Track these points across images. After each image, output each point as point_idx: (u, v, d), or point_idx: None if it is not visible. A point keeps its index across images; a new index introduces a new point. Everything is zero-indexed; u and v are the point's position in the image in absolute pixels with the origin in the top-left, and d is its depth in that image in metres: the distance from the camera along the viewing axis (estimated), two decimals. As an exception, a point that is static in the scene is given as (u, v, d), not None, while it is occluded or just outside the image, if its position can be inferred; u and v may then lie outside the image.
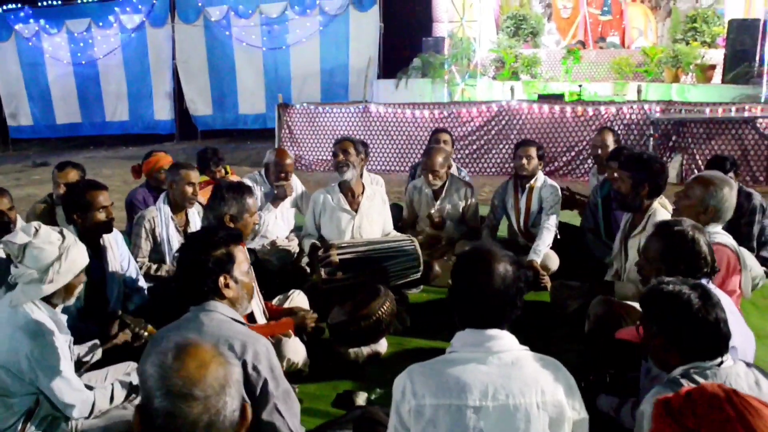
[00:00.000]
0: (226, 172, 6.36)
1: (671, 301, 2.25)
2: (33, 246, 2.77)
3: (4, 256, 2.82)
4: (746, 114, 8.98)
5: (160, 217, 4.63)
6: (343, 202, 4.95)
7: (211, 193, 3.75)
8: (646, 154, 4.30)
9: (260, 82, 15.66)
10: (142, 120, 16.37)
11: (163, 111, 16.17)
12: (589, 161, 9.58)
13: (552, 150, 9.88)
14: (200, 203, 4.76)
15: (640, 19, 14.67)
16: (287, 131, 11.55)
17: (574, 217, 5.91)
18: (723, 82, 11.63)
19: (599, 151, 5.69)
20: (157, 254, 4.63)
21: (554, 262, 5.11)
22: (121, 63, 15.98)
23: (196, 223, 4.82)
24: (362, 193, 5.00)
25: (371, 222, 4.97)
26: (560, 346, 4.06)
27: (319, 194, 5.09)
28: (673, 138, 9.23)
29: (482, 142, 10.30)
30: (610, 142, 5.68)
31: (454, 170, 5.80)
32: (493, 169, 10.25)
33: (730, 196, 3.51)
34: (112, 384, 2.99)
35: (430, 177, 5.40)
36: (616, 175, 4.89)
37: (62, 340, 2.87)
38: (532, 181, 5.36)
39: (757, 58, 11.43)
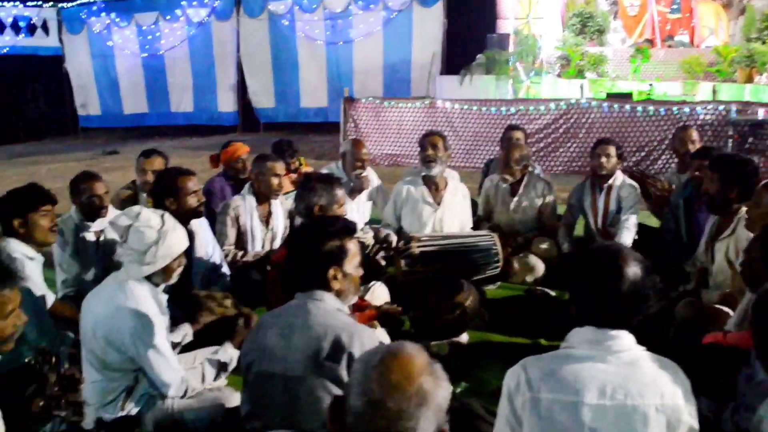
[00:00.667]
0: (300, 164, 6.45)
1: None
2: (134, 228, 2.87)
3: (114, 237, 2.92)
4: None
5: (244, 206, 4.73)
6: (426, 195, 4.98)
7: (301, 184, 3.82)
8: (738, 156, 4.20)
9: (322, 76, 15.76)
10: (206, 111, 16.65)
11: (226, 103, 16.42)
12: (659, 162, 9.38)
13: (623, 149, 9.67)
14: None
15: (710, 18, 14.27)
16: (352, 125, 11.60)
17: (647, 217, 5.79)
18: (801, 82, 11.25)
19: (681, 150, 5.56)
20: (240, 242, 4.72)
21: (634, 262, 5.02)
22: (187, 55, 16.29)
23: (278, 214, 4.92)
24: (445, 187, 5.02)
25: (452, 216, 4.98)
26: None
27: (402, 185, 5.12)
28: (750, 140, 8.95)
29: (550, 140, 10.16)
30: (694, 139, 5.55)
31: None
32: (561, 167, 10.10)
33: None
34: (202, 364, 3.07)
35: (504, 173, 5.36)
36: (698, 173, 4.80)
37: (162, 320, 2.96)
38: (610, 181, 5.28)
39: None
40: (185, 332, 3.39)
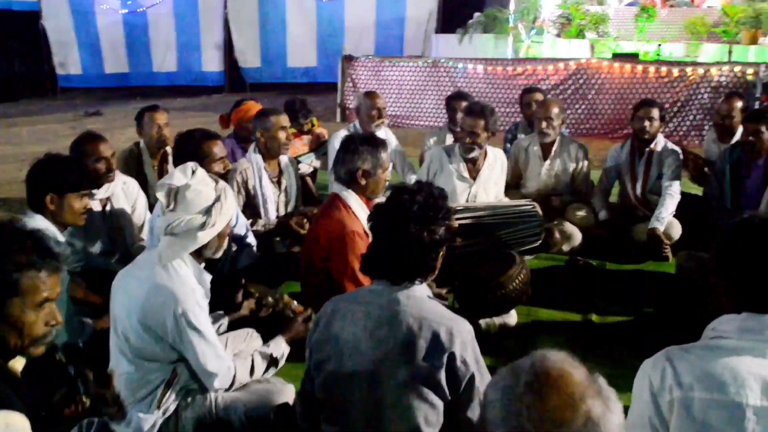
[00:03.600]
0: (313, 125, 6.06)
1: None
2: (191, 188, 2.50)
3: (164, 201, 2.51)
4: None
5: (252, 169, 4.36)
6: (462, 169, 4.63)
7: (342, 145, 3.44)
8: None
9: (312, 35, 15.21)
10: (190, 71, 15.99)
11: (211, 62, 15.78)
12: (671, 125, 9.07)
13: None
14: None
15: (713, -24, 13.97)
16: (350, 85, 11.16)
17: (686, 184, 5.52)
18: (808, 44, 10.98)
19: (725, 120, 5.25)
20: (251, 208, 4.35)
21: (677, 230, 4.77)
22: (171, 12, 15.54)
23: (290, 173, 4.56)
24: (484, 159, 4.66)
25: (487, 191, 4.66)
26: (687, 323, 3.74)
27: (438, 151, 4.77)
28: (766, 104, 8.69)
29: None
30: (738, 110, 5.24)
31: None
32: (569, 130, 9.76)
33: None
34: (252, 355, 2.72)
35: (544, 125, 5.00)
36: (752, 137, 4.52)
37: (206, 303, 2.61)
38: (652, 145, 4.97)
39: None
40: (221, 322, 3.05)
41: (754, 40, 11.47)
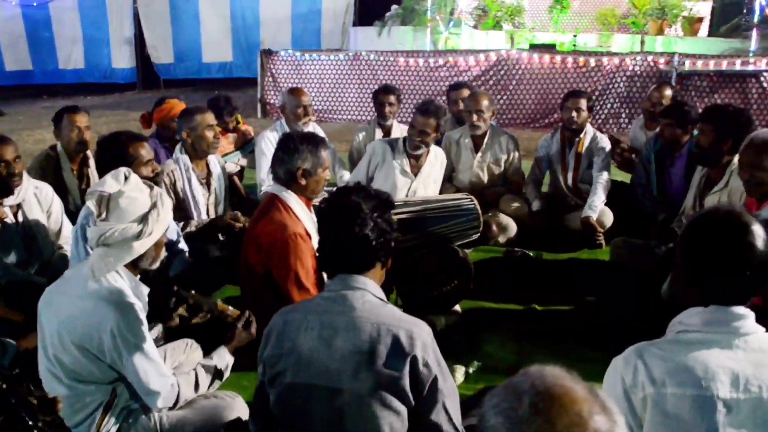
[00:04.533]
0: (238, 122, 5.87)
1: None
2: (124, 195, 2.31)
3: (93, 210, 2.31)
4: (751, 67, 8.82)
5: (180, 170, 4.18)
6: (405, 165, 4.58)
7: (279, 144, 3.30)
8: (732, 107, 4.04)
9: (226, 28, 14.82)
10: (99, 68, 15.32)
11: (121, 58, 15.16)
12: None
13: (552, 101, 9.59)
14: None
15: (621, -31, 14.45)
16: (270, 79, 10.93)
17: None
18: (710, 35, 11.50)
19: (655, 107, 5.37)
20: (181, 211, 4.16)
21: (609, 218, 4.86)
22: (76, 6, 14.83)
23: (218, 173, 4.40)
24: (427, 156, 4.61)
25: (427, 187, 4.63)
26: (626, 310, 3.83)
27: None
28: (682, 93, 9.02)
29: (478, 92, 9.95)
30: (668, 98, 5.38)
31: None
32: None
33: None
34: (195, 369, 2.56)
35: (475, 117, 5.00)
36: (668, 128, 4.66)
37: (145, 317, 2.44)
38: (581, 135, 5.04)
39: (744, 10, 11.34)
40: (157, 333, 2.86)
41: (660, 31, 11.95)
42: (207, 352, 2.75)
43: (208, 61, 15.22)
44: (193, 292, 3.18)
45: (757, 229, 1.75)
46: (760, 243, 1.73)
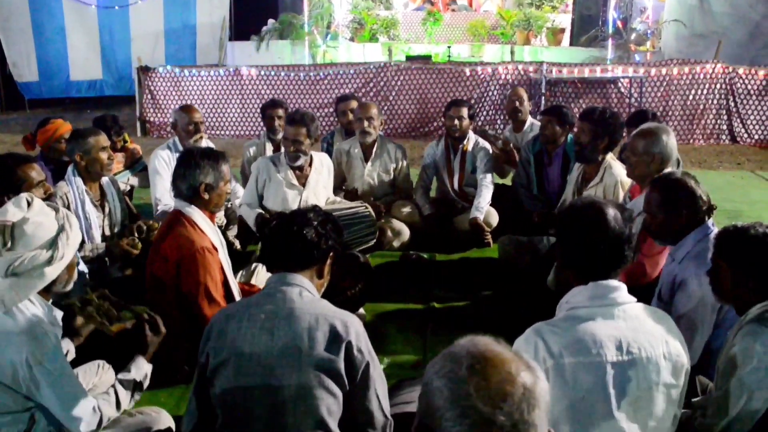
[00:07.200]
0: (126, 141, 5.76)
1: (750, 240, 2.34)
2: (30, 222, 2.27)
3: None
4: (610, 74, 9.59)
5: (72, 192, 4.09)
6: (291, 177, 4.64)
7: (179, 160, 3.33)
8: (608, 110, 4.45)
9: (95, 44, 14.24)
10: (-47, 88, 14.36)
11: (-21, 77, 14.27)
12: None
13: (431, 110, 9.98)
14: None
15: (486, -17, 15.23)
16: (149, 97, 10.66)
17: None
18: (572, 44, 12.34)
19: (517, 107, 5.79)
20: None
21: (495, 218, 5.16)
22: (-77, 21, 13.84)
23: (112, 194, 4.35)
24: (311, 164, 4.71)
25: (317, 195, 4.72)
26: (517, 301, 4.12)
27: (264, 162, 4.72)
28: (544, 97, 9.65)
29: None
30: (526, 98, 5.83)
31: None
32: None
33: (669, 140, 3.62)
34: (113, 386, 2.54)
35: (365, 124, 5.16)
36: (547, 131, 5.06)
37: (60, 341, 2.41)
38: (465, 142, 5.33)
39: (600, 22, 12.27)
40: (67, 349, 2.81)
41: (527, 41, 12.71)
42: (122, 361, 2.72)
43: (76, 79, 14.54)
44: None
45: (611, 211, 2.09)
46: (612, 222, 2.06)
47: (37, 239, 2.27)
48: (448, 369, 1.25)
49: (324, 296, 3.64)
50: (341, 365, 2.07)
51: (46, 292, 2.38)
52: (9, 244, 2.25)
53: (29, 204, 2.33)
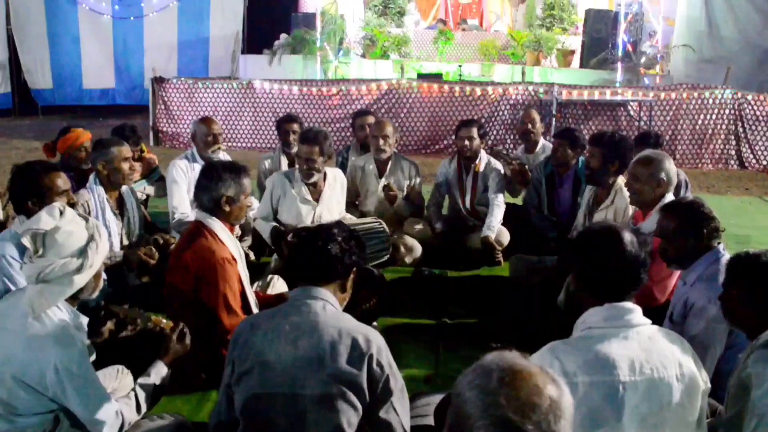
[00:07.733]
0: (143, 151, 5.84)
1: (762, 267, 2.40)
2: (61, 231, 2.34)
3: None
4: (619, 97, 9.67)
5: (93, 200, 4.17)
6: (305, 192, 4.71)
7: (202, 173, 3.41)
8: (618, 134, 4.53)
9: (108, 54, 14.42)
10: (-31, 94, 14.50)
11: (-6, 84, 14.43)
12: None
13: (442, 128, 10.07)
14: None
15: (497, 4, 15.45)
16: (163, 107, 10.77)
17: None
18: (581, 66, 12.43)
19: (530, 128, 5.86)
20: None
21: (506, 237, 5.22)
22: (-59, 27, 14.03)
23: (131, 203, 4.42)
24: (324, 180, 4.78)
25: (331, 210, 4.78)
26: (527, 320, 4.17)
27: (279, 177, 4.79)
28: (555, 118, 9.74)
29: (371, 120, 10.26)
30: (535, 120, 5.90)
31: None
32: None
33: (670, 164, 3.74)
34: (134, 390, 2.62)
35: (381, 142, 5.24)
36: (558, 153, 5.12)
37: (86, 347, 2.48)
38: (476, 162, 5.40)
39: (610, 45, 12.36)
40: (90, 352, 2.87)
41: (537, 62, 12.80)
42: (142, 365, 2.79)
43: (89, 87, 14.72)
44: (126, 306, 3.23)
45: (627, 235, 2.17)
46: (629, 246, 2.14)
47: (67, 248, 2.35)
48: (479, 381, 1.32)
49: (343, 310, 3.75)
50: (363, 379, 2.14)
51: (72, 299, 2.46)
52: (40, 251, 2.33)
53: (62, 213, 2.41)
